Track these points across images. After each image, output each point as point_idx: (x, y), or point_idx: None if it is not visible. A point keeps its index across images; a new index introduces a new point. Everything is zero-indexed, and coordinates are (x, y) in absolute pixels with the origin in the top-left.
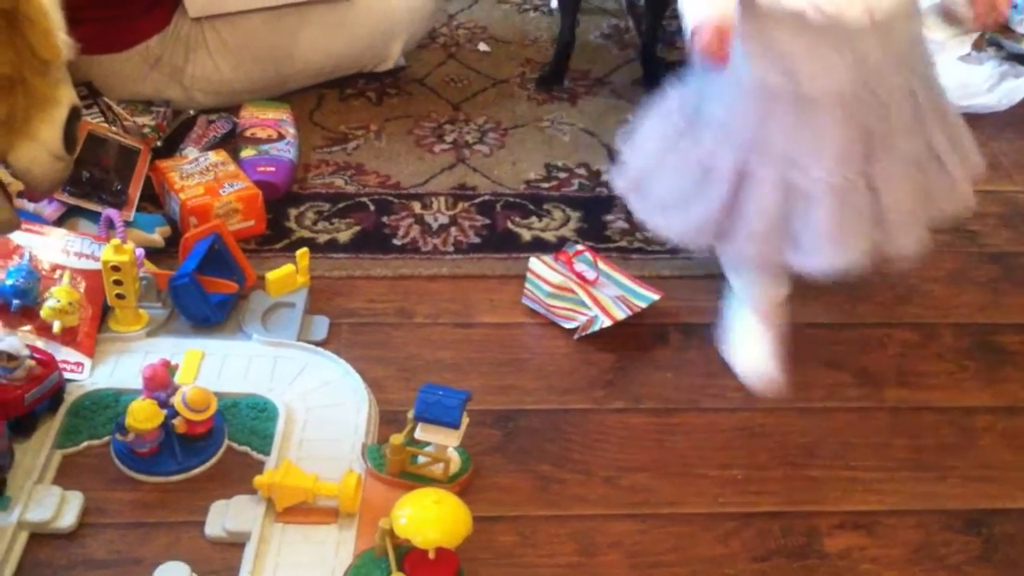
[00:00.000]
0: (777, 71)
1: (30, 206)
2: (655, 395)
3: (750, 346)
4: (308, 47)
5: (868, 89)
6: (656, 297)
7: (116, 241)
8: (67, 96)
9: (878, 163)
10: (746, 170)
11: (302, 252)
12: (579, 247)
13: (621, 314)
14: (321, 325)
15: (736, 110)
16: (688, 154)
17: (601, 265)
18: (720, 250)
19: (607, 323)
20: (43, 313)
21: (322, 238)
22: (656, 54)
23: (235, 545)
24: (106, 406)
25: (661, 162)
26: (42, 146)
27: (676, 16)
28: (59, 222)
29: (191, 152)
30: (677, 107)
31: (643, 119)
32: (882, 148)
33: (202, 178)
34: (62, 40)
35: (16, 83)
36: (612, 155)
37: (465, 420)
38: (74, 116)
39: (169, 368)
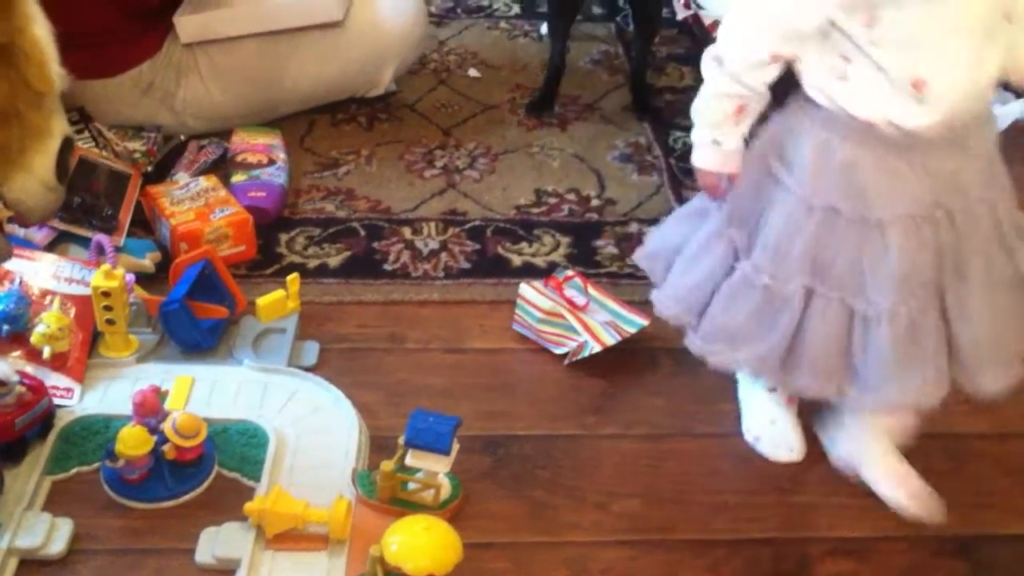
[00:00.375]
0: (842, 190)
1: (20, 232)
2: (646, 421)
3: (777, 427)
4: (299, 73)
5: (941, 206)
6: (646, 323)
7: (106, 266)
8: (60, 127)
9: (951, 290)
10: (809, 295)
11: (292, 277)
12: (569, 272)
13: (611, 340)
14: (311, 350)
15: (795, 230)
16: (745, 279)
17: (591, 291)
18: (781, 382)
19: (597, 349)
20: (33, 339)
21: (312, 263)
22: (645, 80)
23: (225, 572)
24: (96, 432)
25: (711, 286)
26: (35, 177)
27: (665, 43)
28: (49, 247)
29: (182, 177)
30: (723, 226)
31: (677, 241)
32: (955, 272)
33: (193, 203)
34: (56, 72)
35: (10, 115)
36: (602, 181)
37: (456, 446)
38: (67, 146)
39: (159, 394)
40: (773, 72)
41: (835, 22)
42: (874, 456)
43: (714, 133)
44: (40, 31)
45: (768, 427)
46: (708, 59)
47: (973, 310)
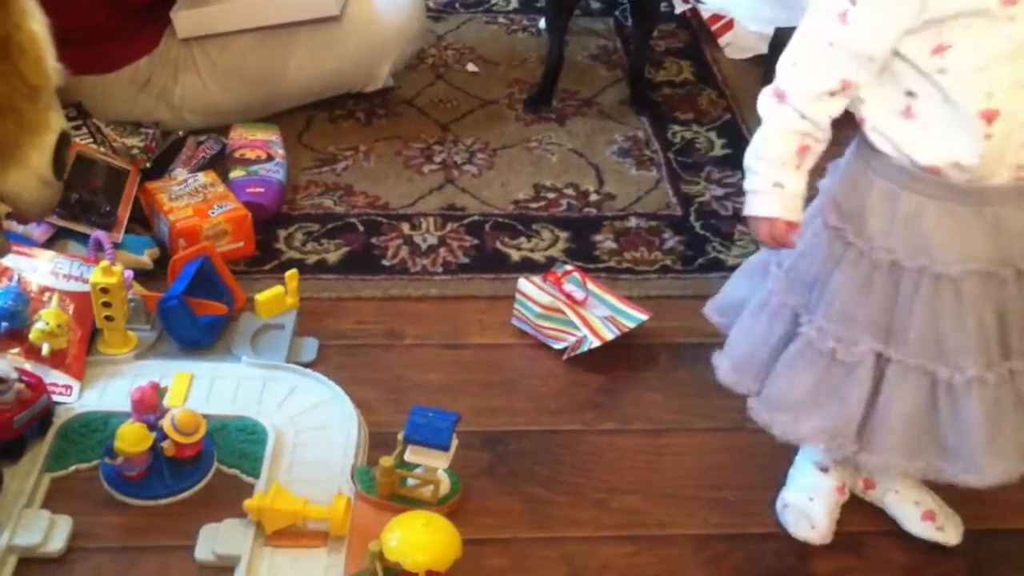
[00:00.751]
0: (907, 241)
1: (19, 228)
2: (645, 416)
3: (812, 505)
4: (297, 68)
5: (1005, 262)
6: (645, 317)
7: (105, 263)
8: (56, 121)
9: (1014, 352)
10: (883, 362)
11: (291, 273)
12: (568, 267)
13: (610, 335)
14: (310, 347)
15: (861, 289)
16: (809, 344)
17: (590, 285)
18: (859, 460)
19: (596, 344)
20: (32, 335)
21: (311, 259)
22: (644, 74)
23: (225, 569)
24: (95, 429)
25: (768, 350)
26: (32, 172)
27: (663, 37)
28: (48, 244)
29: (180, 173)
30: (784, 283)
31: (744, 295)
32: (1017, 334)
33: (191, 199)
34: (52, 66)
35: (6, 110)
36: (601, 175)
37: (455, 442)
38: (63, 141)
39: (158, 391)
40: (839, 105)
41: (900, 51)
42: (893, 486)
43: (776, 175)
44: (37, 26)
45: (803, 501)
46: (767, 96)
47: None
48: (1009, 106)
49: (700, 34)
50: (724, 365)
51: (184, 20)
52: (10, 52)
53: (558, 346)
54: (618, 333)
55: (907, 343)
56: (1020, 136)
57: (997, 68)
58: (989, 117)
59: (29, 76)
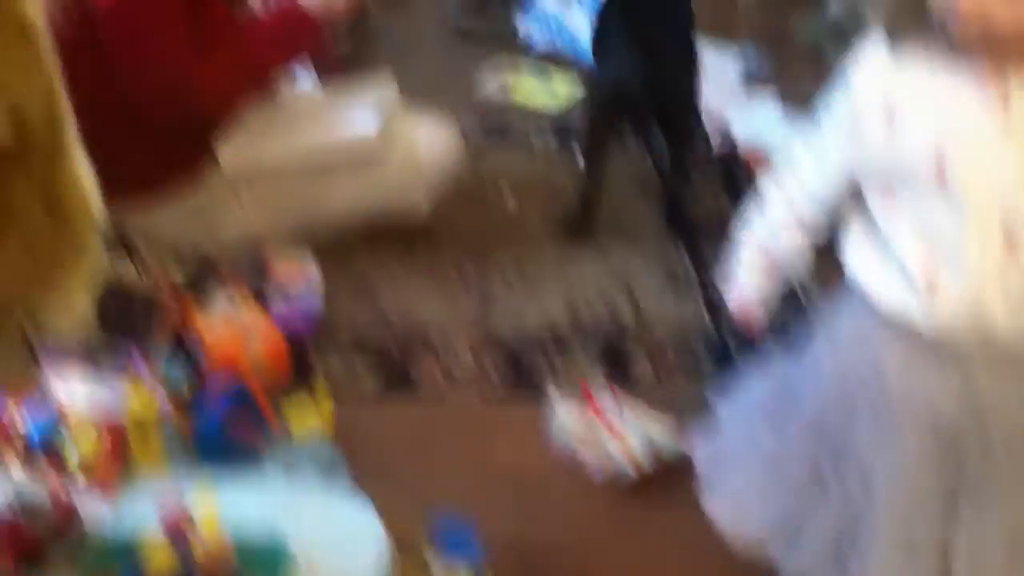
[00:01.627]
0: (865, 376)
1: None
2: (682, 542)
3: None
4: (337, 198)
5: (973, 420)
6: (682, 449)
7: (141, 388)
8: (99, 265)
9: (963, 516)
10: (822, 477)
11: (324, 394)
12: (603, 392)
13: (647, 465)
14: (341, 466)
15: (824, 409)
16: (776, 451)
17: (625, 412)
18: (783, 561)
19: (633, 474)
20: (65, 456)
21: (345, 382)
22: (680, 200)
23: None
24: (125, 551)
25: (745, 452)
26: (74, 313)
27: (701, 172)
28: (82, 366)
29: (218, 300)
30: (767, 393)
31: (729, 399)
32: (974, 496)
33: (228, 326)
34: (98, 218)
35: (55, 264)
36: (636, 303)
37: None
38: (105, 278)
39: (187, 513)
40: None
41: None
42: None
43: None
44: (85, 181)
45: None
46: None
47: (980, 545)
48: (951, 275)
49: (737, 170)
50: (754, 532)
51: (230, 154)
52: (58, 211)
53: (595, 473)
54: (655, 464)
55: (848, 465)
56: (967, 304)
57: (939, 236)
58: (932, 285)
59: (76, 233)
